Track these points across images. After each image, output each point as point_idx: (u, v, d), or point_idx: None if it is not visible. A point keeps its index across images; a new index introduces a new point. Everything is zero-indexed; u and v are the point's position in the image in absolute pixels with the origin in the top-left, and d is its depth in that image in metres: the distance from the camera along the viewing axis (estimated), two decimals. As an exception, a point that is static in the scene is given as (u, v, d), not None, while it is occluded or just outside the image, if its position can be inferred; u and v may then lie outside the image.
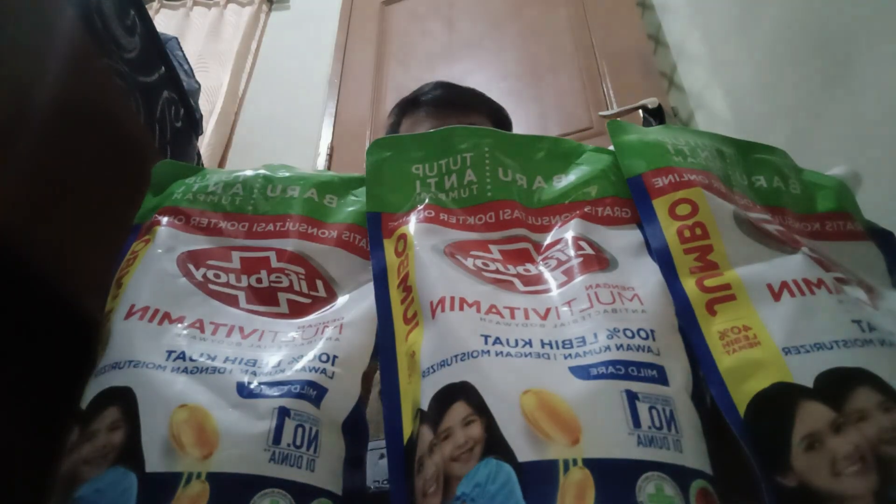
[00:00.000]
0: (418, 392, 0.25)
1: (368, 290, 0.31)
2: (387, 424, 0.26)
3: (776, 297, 0.27)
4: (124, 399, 0.25)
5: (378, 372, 0.29)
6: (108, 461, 0.24)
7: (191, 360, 0.27)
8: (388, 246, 0.31)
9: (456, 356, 0.25)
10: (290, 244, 0.33)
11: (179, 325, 0.28)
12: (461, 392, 0.24)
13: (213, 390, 0.26)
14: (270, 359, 0.28)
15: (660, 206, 0.31)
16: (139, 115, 0.65)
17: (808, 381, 0.24)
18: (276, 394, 0.26)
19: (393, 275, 0.30)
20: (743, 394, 0.25)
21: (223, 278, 0.31)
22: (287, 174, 0.36)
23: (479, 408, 0.23)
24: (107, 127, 0.45)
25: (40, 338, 0.35)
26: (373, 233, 0.32)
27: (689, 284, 0.28)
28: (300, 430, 0.25)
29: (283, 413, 0.25)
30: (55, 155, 0.38)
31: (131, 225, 0.34)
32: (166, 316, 0.29)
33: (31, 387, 0.34)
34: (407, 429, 0.25)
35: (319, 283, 0.32)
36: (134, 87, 0.65)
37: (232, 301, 0.30)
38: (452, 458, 0.22)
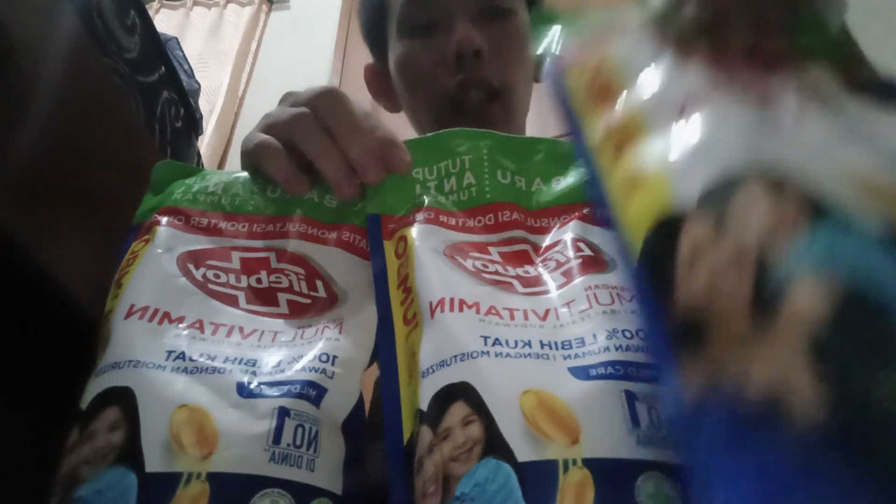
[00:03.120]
0: (418, 393, 0.25)
1: (368, 291, 0.31)
2: (387, 425, 0.26)
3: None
4: (124, 399, 0.25)
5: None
6: (107, 461, 0.24)
7: (191, 360, 0.27)
8: (389, 248, 0.31)
9: (455, 356, 0.25)
10: (290, 244, 0.33)
11: (179, 326, 0.28)
12: (460, 392, 0.24)
13: (213, 390, 0.26)
14: (270, 359, 0.28)
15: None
16: (139, 115, 0.65)
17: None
18: (276, 394, 0.26)
19: (393, 276, 0.30)
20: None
21: (223, 278, 0.31)
22: None
23: (479, 408, 0.23)
24: (107, 127, 0.45)
25: (40, 338, 0.35)
26: (373, 235, 0.32)
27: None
28: (300, 430, 0.26)
29: (283, 413, 0.25)
30: (55, 155, 0.38)
31: (131, 225, 0.34)
32: (166, 316, 0.29)
33: (30, 387, 0.34)
34: (407, 429, 0.25)
35: (319, 284, 0.32)
36: (134, 87, 0.65)
37: (232, 301, 0.30)
38: (452, 458, 0.22)
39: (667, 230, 0.21)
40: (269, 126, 0.35)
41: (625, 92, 0.26)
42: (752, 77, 0.27)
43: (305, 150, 0.33)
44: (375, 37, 0.69)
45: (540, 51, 0.32)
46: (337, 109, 0.34)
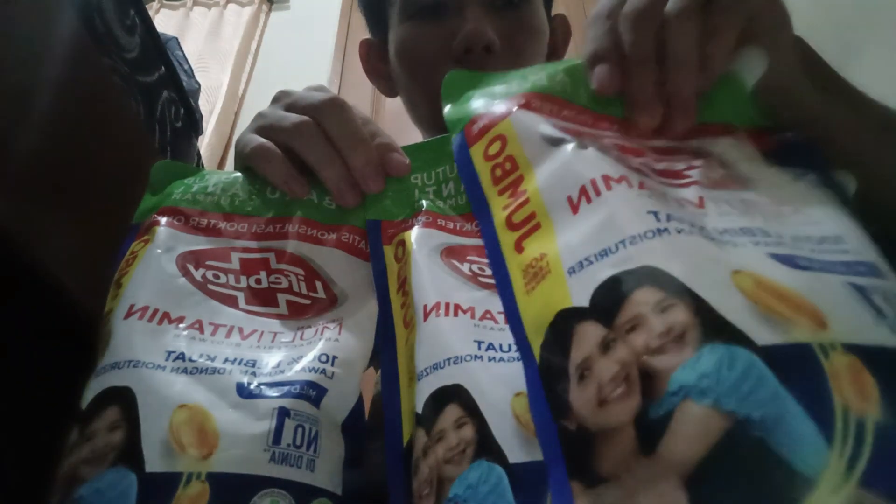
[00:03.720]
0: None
1: (368, 292, 0.32)
2: (387, 427, 0.26)
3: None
4: (124, 399, 0.25)
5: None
6: (107, 461, 0.24)
7: (190, 360, 0.27)
8: (388, 252, 0.32)
9: (448, 360, 0.25)
10: (289, 245, 0.33)
11: (179, 326, 0.28)
12: (454, 395, 0.24)
13: (213, 391, 0.26)
14: (270, 359, 0.28)
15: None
16: (139, 115, 0.65)
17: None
18: (275, 394, 0.26)
19: (393, 279, 0.30)
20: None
21: (222, 279, 0.31)
22: None
23: (472, 410, 0.23)
24: (107, 127, 0.45)
25: (40, 338, 0.35)
26: (373, 240, 0.32)
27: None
28: (300, 430, 0.26)
29: (283, 413, 0.25)
30: (54, 155, 0.38)
31: (131, 225, 0.34)
32: (166, 316, 0.29)
33: (30, 387, 0.34)
34: (407, 432, 0.25)
35: (319, 285, 0.32)
36: (134, 87, 0.65)
37: (231, 301, 0.30)
38: (445, 460, 0.22)
39: (564, 329, 0.21)
40: (266, 128, 0.35)
41: (525, 179, 0.26)
42: (657, 155, 0.27)
43: (308, 159, 0.33)
44: (376, 11, 0.64)
45: (455, 117, 0.31)
46: (339, 119, 0.34)
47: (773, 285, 0.20)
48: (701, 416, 0.17)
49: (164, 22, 2.23)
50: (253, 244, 0.33)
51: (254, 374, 0.27)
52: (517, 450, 0.22)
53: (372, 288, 0.31)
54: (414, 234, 0.31)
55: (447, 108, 0.32)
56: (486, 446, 0.22)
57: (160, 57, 0.72)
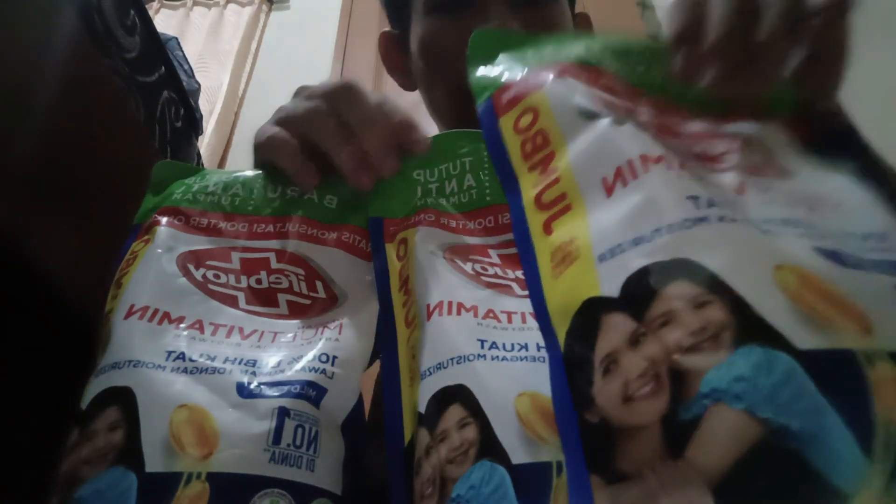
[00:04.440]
0: (417, 395, 0.25)
1: (368, 292, 0.31)
2: (388, 427, 0.26)
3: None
4: (124, 399, 0.25)
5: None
6: (107, 461, 0.24)
7: (190, 360, 0.27)
8: (390, 250, 0.31)
9: (452, 359, 0.25)
10: (290, 245, 0.33)
11: (179, 326, 0.28)
12: (457, 395, 0.23)
13: (213, 390, 0.26)
14: (270, 359, 0.28)
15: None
16: (139, 115, 0.65)
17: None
18: (275, 394, 0.26)
19: (395, 279, 0.30)
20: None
21: (223, 279, 0.31)
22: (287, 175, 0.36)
23: (475, 410, 0.23)
24: (107, 127, 0.45)
25: (40, 338, 0.35)
26: (375, 238, 0.32)
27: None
28: (300, 430, 0.26)
29: (283, 413, 0.25)
30: (55, 155, 0.38)
31: (131, 225, 0.34)
32: (166, 316, 0.29)
33: (30, 387, 0.34)
34: (408, 431, 0.25)
35: (319, 285, 0.32)
36: (134, 87, 0.65)
37: (232, 301, 0.30)
38: (448, 461, 0.22)
39: (591, 318, 0.20)
40: (282, 119, 0.35)
41: (557, 156, 0.24)
42: (694, 137, 0.25)
43: (320, 143, 0.33)
44: (398, 4, 0.63)
45: (483, 83, 0.29)
46: (352, 101, 0.33)
47: (818, 283, 0.18)
48: (734, 421, 0.16)
49: (164, 22, 2.23)
50: (253, 244, 0.33)
51: (254, 373, 0.27)
52: (520, 450, 0.22)
53: (372, 288, 0.31)
54: (416, 233, 0.31)
55: (475, 71, 0.30)
56: (489, 447, 0.22)
57: (160, 57, 0.72)
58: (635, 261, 0.20)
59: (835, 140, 0.26)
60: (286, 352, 0.28)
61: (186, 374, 0.26)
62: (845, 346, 0.17)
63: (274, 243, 0.33)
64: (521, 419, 0.22)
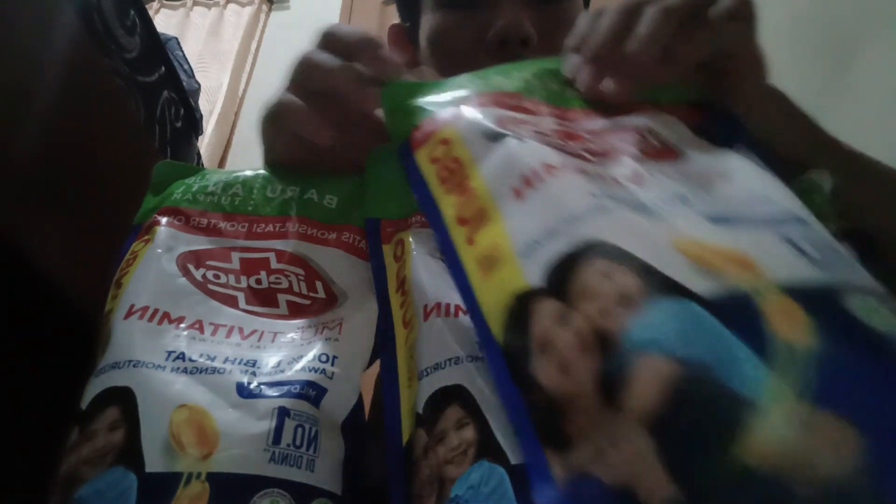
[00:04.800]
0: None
1: (368, 292, 0.31)
2: (387, 427, 0.26)
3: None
4: (124, 399, 0.25)
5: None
6: (107, 461, 0.24)
7: (190, 360, 0.27)
8: (387, 251, 0.31)
9: (449, 360, 0.25)
10: (289, 245, 0.33)
11: (179, 326, 0.28)
12: (455, 395, 0.24)
13: (213, 390, 0.26)
14: (270, 359, 0.28)
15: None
16: (139, 115, 0.65)
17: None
18: (275, 394, 0.26)
19: (392, 279, 0.30)
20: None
21: (223, 279, 0.31)
22: (287, 174, 0.36)
23: (473, 411, 0.23)
24: (107, 127, 0.45)
25: (40, 338, 0.35)
26: (372, 238, 0.32)
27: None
28: (300, 430, 0.26)
29: (283, 413, 0.25)
30: (55, 155, 0.38)
31: (131, 225, 0.34)
32: (166, 316, 0.29)
33: (30, 387, 0.34)
34: (407, 431, 0.25)
35: (319, 285, 0.32)
36: (134, 87, 0.65)
37: (231, 301, 0.30)
38: (446, 461, 0.22)
39: (521, 309, 0.22)
40: (285, 88, 0.35)
41: (471, 177, 0.27)
42: (594, 136, 0.29)
43: (320, 83, 0.33)
44: None
45: (400, 129, 0.31)
46: (340, 34, 0.34)
47: (711, 244, 0.21)
48: (654, 366, 0.18)
49: (164, 22, 2.23)
50: (253, 244, 0.33)
51: (254, 373, 0.27)
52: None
53: (372, 288, 0.31)
54: (414, 235, 0.31)
55: (390, 120, 0.32)
56: (488, 447, 0.22)
57: (160, 57, 0.72)
58: (552, 250, 0.22)
59: (720, 123, 0.30)
60: (286, 352, 0.28)
61: (186, 374, 0.26)
62: (737, 286, 0.20)
63: (274, 243, 0.33)
64: None
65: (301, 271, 0.32)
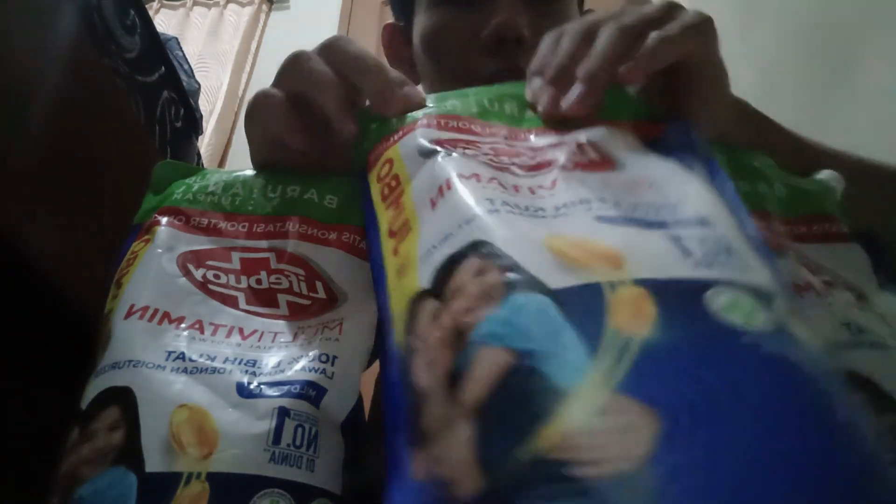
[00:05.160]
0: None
1: (368, 292, 0.31)
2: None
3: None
4: (124, 399, 0.25)
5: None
6: (107, 461, 0.24)
7: (190, 360, 0.27)
8: (372, 178, 0.31)
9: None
10: (289, 245, 0.33)
11: (179, 326, 0.29)
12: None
13: (213, 390, 0.26)
14: (270, 359, 0.28)
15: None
16: (139, 115, 0.65)
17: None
18: (275, 394, 0.26)
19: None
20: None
21: (223, 279, 0.31)
22: (287, 174, 0.36)
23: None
24: (107, 127, 0.45)
25: (40, 338, 0.35)
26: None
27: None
28: (300, 430, 0.26)
29: (283, 413, 0.25)
30: (55, 155, 0.38)
31: (131, 225, 0.34)
32: (166, 316, 0.29)
33: (31, 387, 0.34)
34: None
35: (319, 285, 0.32)
36: (134, 87, 0.65)
37: (232, 302, 0.30)
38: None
39: (412, 311, 0.23)
40: (274, 82, 0.35)
41: (405, 192, 0.28)
42: (534, 152, 0.29)
43: (306, 88, 0.32)
44: None
45: (361, 157, 0.32)
46: (345, 49, 0.33)
47: (582, 241, 0.22)
48: (489, 356, 0.19)
49: (164, 22, 2.24)
50: (253, 244, 0.33)
51: (254, 373, 0.27)
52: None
53: (372, 288, 0.31)
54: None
55: (357, 153, 0.33)
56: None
57: (160, 57, 0.72)
58: (442, 253, 0.23)
59: (677, 138, 0.30)
60: (286, 352, 0.28)
61: (186, 374, 0.26)
62: (592, 280, 0.20)
63: (274, 243, 0.33)
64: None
65: (301, 271, 0.32)
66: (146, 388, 0.25)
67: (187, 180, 0.36)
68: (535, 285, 0.20)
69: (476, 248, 0.22)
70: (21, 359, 0.34)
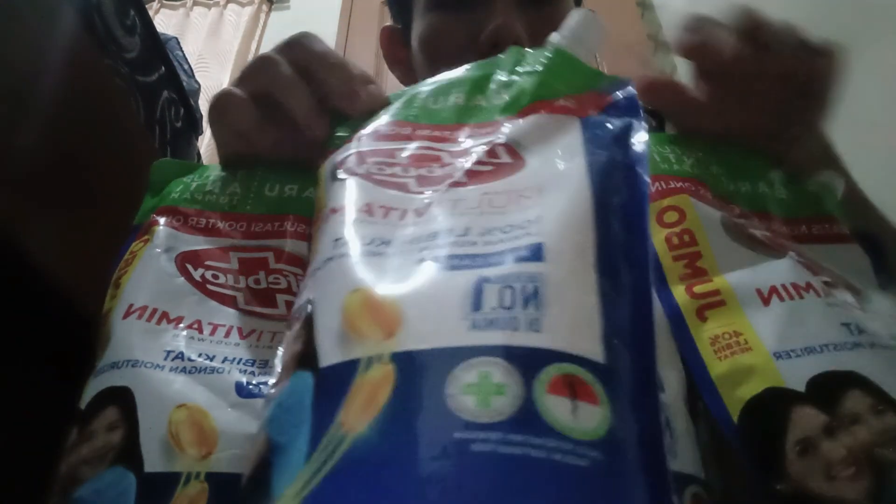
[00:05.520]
0: None
1: None
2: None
3: (765, 301, 0.27)
4: (123, 399, 0.25)
5: None
6: (106, 461, 0.24)
7: (189, 360, 0.27)
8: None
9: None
10: (287, 244, 0.33)
11: (178, 326, 0.29)
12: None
13: (212, 390, 0.26)
14: (269, 359, 0.28)
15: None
16: (139, 115, 0.65)
17: (801, 386, 0.24)
18: None
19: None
20: (736, 400, 0.25)
21: (221, 279, 0.31)
22: (285, 172, 0.36)
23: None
24: (107, 127, 0.45)
25: (39, 337, 0.35)
26: None
27: (679, 291, 0.28)
28: None
29: None
30: (55, 155, 0.38)
31: (131, 225, 0.34)
32: (164, 316, 0.29)
33: (30, 387, 0.34)
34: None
35: None
36: (134, 87, 0.65)
37: (230, 301, 0.30)
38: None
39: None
40: (234, 81, 0.34)
41: (318, 216, 0.28)
42: (459, 153, 0.28)
43: (272, 91, 0.32)
44: None
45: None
46: (309, 47, 0.32)
47: (377, 301, 0.19)
48: (259, 438, 0.19)
49: (164, 22, 2.24)
50: (251, 243, 0.33)
51: (253, 373, 0.27)
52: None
53: None
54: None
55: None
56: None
57: (160, 57, 0.72)
58: (298, 304, 0.23)
59: (619, 109, 0.28)
60: None
61: (185, 374, 0.26)
62: (355, 356, 0.18)
63: (272, 242, 0.33)
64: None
65: (300, 271, 0.32)
66: (145, 388, 0.25)
67: (185, 179, 0.36)
68: (311, 361, 0.18)
69: (301, 313, 0.21)
70: (20, 359, 0.34)
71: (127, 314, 0.28)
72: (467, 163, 0.26)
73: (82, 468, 0.24)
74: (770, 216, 0.33)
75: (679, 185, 0.31)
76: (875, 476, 0.21)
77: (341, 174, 0.27)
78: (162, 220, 0.33)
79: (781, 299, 0.27)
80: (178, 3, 2.32)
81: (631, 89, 0.28)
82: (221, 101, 0.34)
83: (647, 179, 0.23)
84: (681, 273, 0.29)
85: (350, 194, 0.26)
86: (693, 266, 0.29)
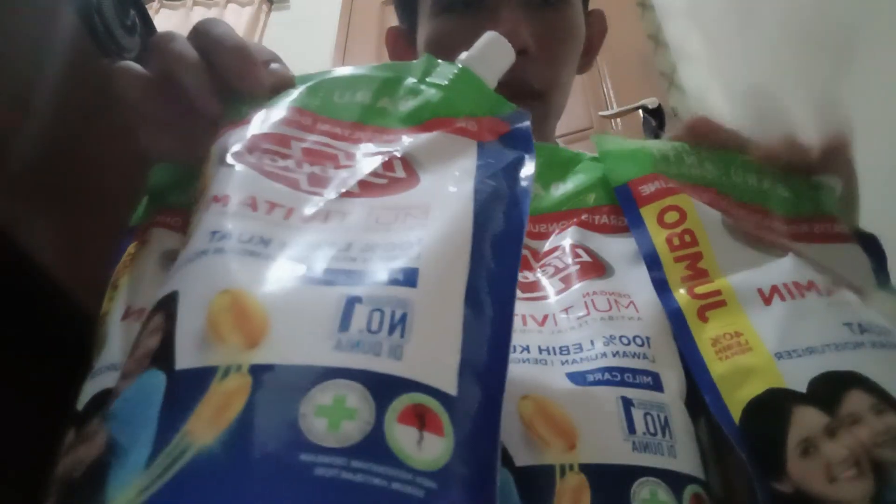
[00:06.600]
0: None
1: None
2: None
3: (767, 301, 0.27)
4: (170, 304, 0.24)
5: None
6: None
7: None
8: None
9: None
10: None
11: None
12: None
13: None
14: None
15: (647, 213, 0.31)
16: (139, 115, 0.65)
17: (802, 386, 0.24)
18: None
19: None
20: (737, 400, 0.25)
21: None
22: None
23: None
24: (107, 127, 0.45)
25: (38, 338, 0.35)
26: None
27: (680, 292, 0.28)
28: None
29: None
30: (54, 155, 0.38)
31: (128, 227, 0.34)
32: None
33: (28, 387, 0.34)
34: None
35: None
36: (134, 87, 0.65)
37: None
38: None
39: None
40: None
41: (202, 195, 0.27)
42: (356, 157, 0.27)
43: (171, 70, 0.31)
44: (406, 1, 0.62)
45: None
46: (210, 30, 0.32)
47: (245, 306, 0.19)
48: (96, 432, 0.18)
49: (164, 22, 2.24)
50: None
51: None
52: (522, 453, 0.21)
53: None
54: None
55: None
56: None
57: (160, 57, 0.72)
58: (162, 292, 0.22)
59: (513, 142, 0.28)
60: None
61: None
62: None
63: None
64: (524, 421, 0.22)
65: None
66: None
67: (182, 182, 0.36)
68: (166, 360, 0.18)
69: (164, 304, 0.21)
70: (20, 360, 0.34)
71: (124, 316, 0.28)
72: (362, 171, 0.26)
73: (80, 469, 0.24)
74: (771, 214, 0.33)
75: (679, 186, 0.32)
76: (875, 477, 0.22)
77: (230, 159, 0.26)
78: (159, 222, 0.33)
79: (783, 299, 0.27)
80: (178, 3, 2.32)
81: (528, 122, 0.28)
82: (115, 77, 0.32)
83: (526, 217, 0.24)
84: (682, 274, 0.29)
85: (235, 183, 0.24)
86: (694, 267, 0.29)
